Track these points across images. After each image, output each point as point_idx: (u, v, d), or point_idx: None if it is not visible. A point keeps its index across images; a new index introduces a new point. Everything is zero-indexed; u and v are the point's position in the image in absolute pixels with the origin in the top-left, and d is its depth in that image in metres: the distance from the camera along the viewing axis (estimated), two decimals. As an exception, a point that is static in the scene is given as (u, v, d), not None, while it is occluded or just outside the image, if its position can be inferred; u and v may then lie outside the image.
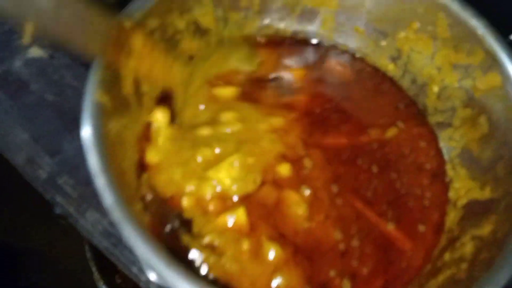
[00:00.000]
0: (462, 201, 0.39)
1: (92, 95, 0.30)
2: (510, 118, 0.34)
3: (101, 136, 0.28)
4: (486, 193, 0.35)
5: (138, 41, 0.33)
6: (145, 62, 0.34)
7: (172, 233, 0.34)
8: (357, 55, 0.47)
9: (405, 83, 0.45)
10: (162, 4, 0.36)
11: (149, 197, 0.36)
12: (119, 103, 0.34)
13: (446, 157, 0.41)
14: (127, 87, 0.35)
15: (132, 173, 0.36)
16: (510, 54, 0.35)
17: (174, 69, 0.37)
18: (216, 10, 0.42)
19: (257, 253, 0.33)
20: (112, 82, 0.32)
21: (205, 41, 0.44)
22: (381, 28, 0.44)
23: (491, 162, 0.36)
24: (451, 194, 0.40)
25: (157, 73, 0.36)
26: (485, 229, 0.32)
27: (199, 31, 0.43)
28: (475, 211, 0.35)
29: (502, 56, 0.35)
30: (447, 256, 0.35)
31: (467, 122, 0.40)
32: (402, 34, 0.43)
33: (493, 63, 0.36)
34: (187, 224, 0.35)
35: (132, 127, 0.37)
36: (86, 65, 0.34)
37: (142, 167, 0.36)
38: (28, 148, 0.55)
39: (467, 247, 0.33)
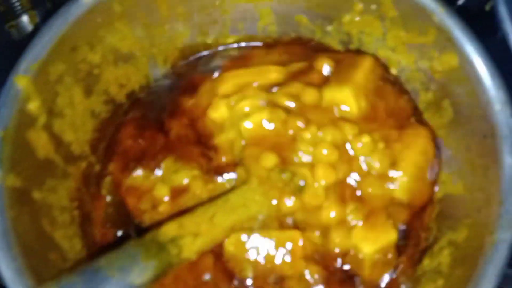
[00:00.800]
0: (438, 195, 0.35)
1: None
2: (473, 103, 0.30)
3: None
4: (459, 188, 0.32)
5: None
6: None
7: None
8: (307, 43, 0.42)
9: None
10: (62, 46, 0.31)
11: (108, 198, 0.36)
12: (36, 170, 0.31)
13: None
14: (42, 149, 0.31)
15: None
16: (465, 30, 0.30)
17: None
18: (134, 30, 0.38)
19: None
20: (16, 154, 0.28)
21: (132, 64, 0.40)
22: (324, 13, 0.39)
23: (460, 153, 0.32)
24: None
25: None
26: (461, 234, 0.29)
27: (121, 57, 0.38)
28: (451, 209, 0.32)
29: (457, 33, 0.30)
30: (426, 263, 0.32)
31: (431, 106, 0.36)
32: (347, 18, 0.38)
33: (448, 42, 0.31)
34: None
35: (63, 184, 0.34)
36: None
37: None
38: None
39: (444, 255, 0.30)
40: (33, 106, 0.30)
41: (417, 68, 0.36)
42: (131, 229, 0.35)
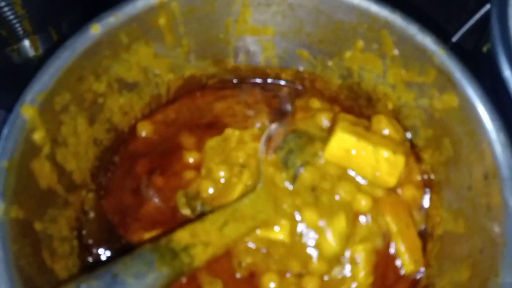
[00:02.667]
0: (438, 231, 0.35)
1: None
2: (472, 143, 0.31)
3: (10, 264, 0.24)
4: (459, 227, 0.32)
5: None
6: None
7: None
8: (307, 77, 0.43)
9: (362, 101, 0.42)
10: (68, 76, 0.32)
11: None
12: (38, 201, 0.30)
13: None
14: (45, 179, 0.31)
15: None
16: (466, 72, 0.31)
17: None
18: (139, 60, 0.38)
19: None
20: (20, 185, 0.28)
21: (136, 93, 0.40)
22: (326, 49, 0.40)
23: (461, 191, 0.33)
24: (428, 221, 0.37)
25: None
26: (463, 274, 0.29)
27: (126, 86, 0.39)
28: (452, 248, 0.32)
29: (457, 75, 0.31)
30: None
31: (431, 143, 0.36)
32: (348, 54, 0.39)
33: (448, 83, 0.32)
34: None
35: (63, 214, 0.34)
36: None
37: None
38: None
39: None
40: (38, 136, 0.30)
41: (417, 105, 0.36)
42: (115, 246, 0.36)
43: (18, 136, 0.29)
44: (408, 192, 0.36)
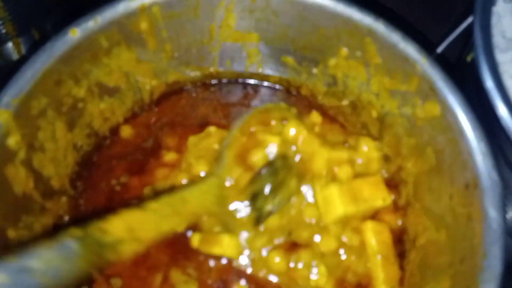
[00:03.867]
0: (421, 240, 0.35)
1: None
2: (454, 152, 0.31)
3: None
4: (442, 236, 0.32)
5: None
6: None
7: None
8: (293, 84, 0.43)
9: (346, 109, 0.42)
10: (46, 80, 0.31)
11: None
12: (11, 208, 0.30)
13: (400, 188, 0.38)
14: (20, 185, 0.30)
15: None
16: (448, 81, 0.31)
17: None
18: (120, 64, 0.37)
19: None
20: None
21: (118, 98, 0.39)
22: (310, 56, 0.40)
23: (443, 200, 0.32)
24: (409, 227, 0.37)
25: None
26: (444, 284, 0.29)
27: (107, 91, 0.38)
28: (434, 258, 0.32)
29: (439, 84, 0.31)
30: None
31: (414, 152, 0.36)
32: (332, 61, 0.39)
33: (430, 92, 0.32)
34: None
35: (40, 220, 0.33)
36: None
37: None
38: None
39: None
40: (13, 141, 0.29)
41: (400, 113, 0.36)
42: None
43: (-9, 142, 0.28)
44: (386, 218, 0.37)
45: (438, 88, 0.31)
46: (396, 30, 0.33)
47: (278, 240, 0.34)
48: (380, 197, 0.36)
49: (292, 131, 0.36)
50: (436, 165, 0.33)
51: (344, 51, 0.37)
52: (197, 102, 0.43)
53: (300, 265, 0.33)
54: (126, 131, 0.40)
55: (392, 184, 0.38)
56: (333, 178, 0.36)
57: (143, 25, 0.36)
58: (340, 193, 0.35)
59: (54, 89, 0.32)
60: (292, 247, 0.35)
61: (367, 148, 0.38)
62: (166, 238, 0.30)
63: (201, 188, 0.32)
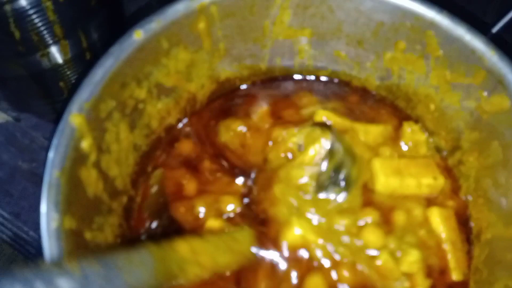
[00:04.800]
0: (486, 236, 0.35)
1: (50, 223, 0.25)
2: (526, 146, 0.30)
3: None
4: (510, 231, 0.31)
5: None
6: None
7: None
8: (343, 79, 0.43)
9: (401, 102, 0.41)
10: (113, 83, 0.31)
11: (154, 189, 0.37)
12: (86, 210, 0.30)
13: (461, 182, 0.38)
14: (92, 187, 0.31)
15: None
16: (518, 74, 0.31)
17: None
18: (177, 65, 0.38)
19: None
20: (71, 194, 0.28)
21: (173, 98, 0.40)
22: (364, 50, 0.39)
23: (510, 195, 0.32)
24: (472, 223, 0.37)
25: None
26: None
27: (164, 91, 0.38)
28: (503, 253, 0.32)
29: (510, 76, 0.31)
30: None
31: (476, 146, 0.36)
32: (388, 55, 0.38)
33: (499, 85, 0.31)
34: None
35: (108, 221, 0.34)
36: (55, 122, 0.30)
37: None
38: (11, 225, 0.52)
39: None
40: (86, 144, 0.30)
41: (462, 107, 0.36)
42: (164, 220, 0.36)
43: (67, 145, 0.28)
44: (449, 203, 0.36)
45: (508, 81, 0.31)
46: (461, 22, 0.33)
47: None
48: (430, 175, 0.35)
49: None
50: (503, 160, 0.33)
51: (402, 44, 0.37)
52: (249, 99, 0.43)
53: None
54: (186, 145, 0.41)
55: (451, 176, 0.38)
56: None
57: (201, 25, 0.36)
58: (382, 166, 0.35)
59: (119, 92, 0.33)
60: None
61: (410, 130, 0.38)
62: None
63: (249, 232, 0.34)
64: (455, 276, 0.34)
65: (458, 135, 0.37)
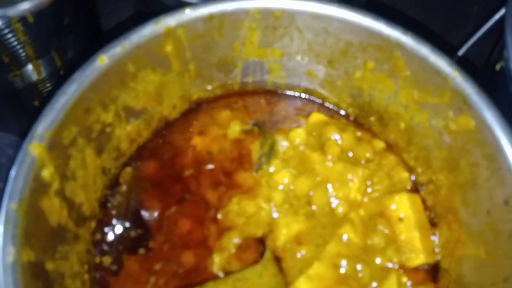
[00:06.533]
0: (457, 253, 0.35)
1: (6, 257, 0.25)
2: (491, 166, 0.30)
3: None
4: (481, 252, 0.31)
5: None
6: None
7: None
8: (316, 96, 0.43)
9: (371, 121, 0.41)
10: (76, 109, 0.31)
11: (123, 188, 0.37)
12: (48, 239, 0.30)
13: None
14: (55, 216, 0.30)
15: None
16: (482, 95, 0.30)
17: None
18: (147, 87, 0.37)
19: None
20: (31, 225, 0.27)
21: (144, 119, 0.39)
22: (335, 69, 0.39)
23: (480, 215, 0.32)
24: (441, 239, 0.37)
25: None
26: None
27: (133, 114, 0.38)
28: (474, 275, 0.32)
29: (474, 98, 0.31)
30: None
31: (446, 164, 0.36)
32: (358, 74, 0.38)
33: (464, 105, 0.31)
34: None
35: (74, 249, 0.33)
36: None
37: None
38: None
39: None
40: (47, 173, 0.29)
41: (431, 125, 0.36)
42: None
43: (27, 176, 0.28)
44: None
45: (472, 102, 0.31)
46: (426, 43, 0.33)
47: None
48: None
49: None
50: (471, 179, 0.33)
51: (371, 64, 0.37)
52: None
53: None
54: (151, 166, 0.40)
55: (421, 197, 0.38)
56: None
57: (168, 48, 0.35)
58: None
59: (83, 117, 0.32)
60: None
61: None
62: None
63: (256, 269, 0.34)
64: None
65: (428, 153, 0.37)
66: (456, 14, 0.57)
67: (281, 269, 0.35)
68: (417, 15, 0.55)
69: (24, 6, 0.25)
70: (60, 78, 0.48)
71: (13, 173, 0.27)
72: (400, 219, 0.36)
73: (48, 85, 0.48)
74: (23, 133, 0.53)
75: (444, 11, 0.58)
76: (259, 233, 0.36)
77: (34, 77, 0.48)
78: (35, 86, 0.47)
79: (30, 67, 0.47)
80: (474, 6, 0.57)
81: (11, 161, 0.54)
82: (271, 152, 0.39)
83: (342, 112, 0.42)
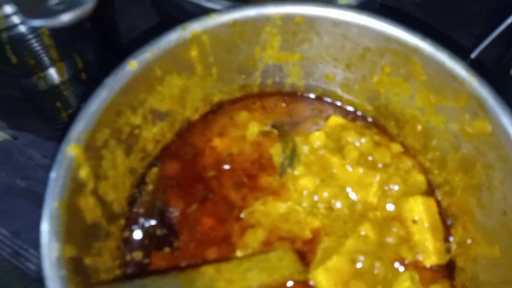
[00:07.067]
0: (472, 253, 0.36)
1: (51, 253, 0.27)
2: (505, 168, 0.32)
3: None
4: (495, 251, 0.32)
5: None
6: None
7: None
8: (334, 99, 0.44)
9: (389, 122, 0.42)
10: (108, 113, 0.33)
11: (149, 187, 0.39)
12: (85, 236, 0.31)
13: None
14: (90, 214, 0.32)
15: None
16: (498, 100, 0.32)
17: None
18: (172, 90, 0.39)
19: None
20: (70, 223, 0.29)
21: (168, 121, 0.41)
22: (352, 72, 0.41)
23: (495, 215, 0.33)
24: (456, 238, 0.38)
25: None
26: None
27: (159, 116, 0.39)
28: (488, 273, 0.33)
29: (490, 103, 0.32)
30: None
31: (462, 166, 0.37)
32: (375, 78, 0.40)
33: (480, 110, 0.33)
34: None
35: (107, 245, 0.35)
36: (53, 140, 0.32)
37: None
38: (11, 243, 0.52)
39: None
40: (84, 173, 0.31)
41: (447, 128, 0.37)
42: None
43: (66, 176, 0.29)
44: None
45: (488, 107, 0.32)
46: (443, 48, 0.34)
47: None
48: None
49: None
50: (486, 180, 0.34)
51: (388, 69, 0.38)
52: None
53: None
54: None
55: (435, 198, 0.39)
56: None
57: (193, 53, 0.37)
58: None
59: (114, 120, 0.34)
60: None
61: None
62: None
63: (276, 254, 0.36)
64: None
65: (443, 156, 0.38)
66: (463, 15, 0.58)
67: (303, 259, 0.37)
68: (425, 17, 0.56)
69: (65, 18, 0.26)
70: (81, 81, 0.49)
71: (53, 174, 0.29)
72: (414, 221, 0.37)
73: (70, 87, 0.49)
74: (43, 133, 0.55)
75: (451, 13, 0.59)
76: (284, 232, 0.37)
77: (57, 79, 0.49)
78: (58, 87, 0.49)
79: (53, 70, 0.48)
80: (477, 7, 0.58)
81: (31, 160, 0.56)
82: (293, 155, 0.40)
83: (359, 113, 0.43)
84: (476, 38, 0.49)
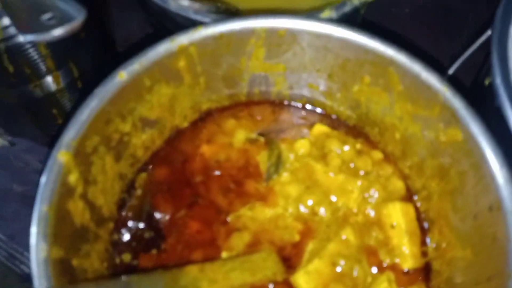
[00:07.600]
0: (447, 256, 0.37)
1: (39, 253, 0.28)
2: (477, 175, 0.33)
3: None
4: (468, 253, 0.34)
5: None
6: None
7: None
8: (318, 107, 0.46)
9: (370, 130, 0.44)
10: (98, 121, 0.34)
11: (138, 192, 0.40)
12: (74, 238, 0.33)
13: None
14: (79, 217, 0.33)
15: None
16: (469, 110, 0.33)
17: None
18: (160, 99, 0.40)
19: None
20: (59, 225, 0.31)
21: (157, 128, 0.43)
22: (335, 82, 0.42)
23: (467, 219, 0.35)
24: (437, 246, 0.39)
25: None
26: None
27: (148, 123, 0.41)
28: (461, 275, 0.34)
29: (462, 112, 0.33)
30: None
31: (438, 173, 0.38)
32: (356, 87, 0.41)
33: (452, 119, 0.34)
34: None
35: (94, 248, 0.36)
36: (49, 146, 0.33)
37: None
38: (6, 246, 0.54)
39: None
40: (73, 178, 0.32)
41: (424, 136, 0.38)
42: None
43: (55, 181, 0.31)
44: None
45: (460, 117, 0.34)
46: (418, 60, 0.36)
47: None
48: None
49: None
50: (459, 186, 0.36)
51: (367, 79, 0.40)
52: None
53: None
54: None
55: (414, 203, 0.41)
56: None
57: (181, 63, 0.39)
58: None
59: (104, 128, 0.36)
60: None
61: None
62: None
63: (260, 255, 0.37)
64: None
65: (421, 162, 0.40)
66: (455, 23, 0.59)
67: (289, 262, 0.38)
68: (412, 27, 0.58)
69: (57, 33, 0.28)
70: (77, 88, 0.51)
71: (44, 178, 0.30)
72: (392, 226, 0.39)
73: (66, 94, 0.51)
74: (40, 139, 0.57)
75: (440, 22, 0.60)
76: (270, 236, 0.39)
77: (53, 87, 0.51)
78: (54, 95, 0.50)
79: (49, 77, 0.50)
80: (465, 27, 0.60)
81: (28, 165, 0.57)
82: (279, 162, 0.42)
83: (343, 121, 0.45)
84: (464, 48, 0.50)
